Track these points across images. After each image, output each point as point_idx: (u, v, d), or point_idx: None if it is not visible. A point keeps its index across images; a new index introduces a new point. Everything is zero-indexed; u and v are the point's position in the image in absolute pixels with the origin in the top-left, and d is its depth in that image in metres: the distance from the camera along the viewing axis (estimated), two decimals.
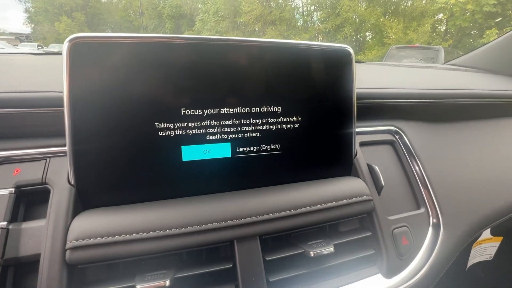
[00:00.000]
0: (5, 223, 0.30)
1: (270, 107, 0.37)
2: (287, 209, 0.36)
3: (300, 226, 0.37)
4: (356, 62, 0.49)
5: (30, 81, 0.38)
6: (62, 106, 0.31)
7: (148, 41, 0.31)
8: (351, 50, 0.40)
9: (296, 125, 0.39)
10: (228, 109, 0.35)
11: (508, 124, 0.71)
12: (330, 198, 0.39)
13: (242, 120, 0.36)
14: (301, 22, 16.97)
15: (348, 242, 0.40)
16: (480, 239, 0.79)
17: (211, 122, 0.35)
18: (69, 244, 0.29)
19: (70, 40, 0.29)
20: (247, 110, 0.36)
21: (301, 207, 0.37)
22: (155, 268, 0.33)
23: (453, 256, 0.46)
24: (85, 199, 0.33)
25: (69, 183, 0.33)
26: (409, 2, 13.48)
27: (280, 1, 17.27)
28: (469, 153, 0.60)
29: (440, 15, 12.49)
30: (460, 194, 0.52)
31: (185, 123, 0.34)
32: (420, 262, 0.42)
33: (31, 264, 0.30)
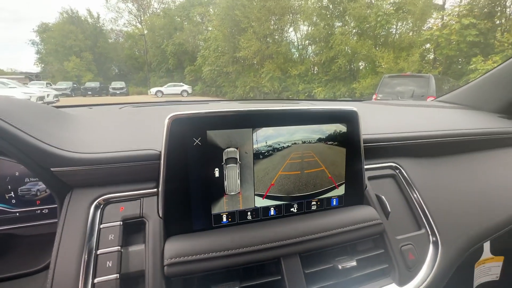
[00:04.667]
0: (119, 247, 0.41)
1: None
2: (318, 232, 0.48)
3: (330, 245, 0.49)
4: (356, 100, 0.63)
5: (130, 138, 0.52)
6: (157, 160, 0.44)
7: (216, 114, 0.45)
8: (356, 110, 0.54)
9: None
10: None
11: (495, 154, 0.85)
12: (350, 222, 0.51)
13: None
14: (297, 55, 18.01)
15: (366, 258, 0.51)
16: (482, 258, 0.88)
17: None
18: (166, 262, 0.40)
19: (170, 118, 0.43)
20: None
21: (329, 230, 0.49)
22: (222, 281, 0.43)
23: (454, 266, 0.56)
24: (169, 228, 0.45)
25: (159, 216, 0.45)
26: (397, 35, 14.45)
27: (276, 37, 18.51)
28: (462, 180, 0.72)
29: (428, 45, 13.34)
30: (455, 215, 0.63)
31: None
32: (425, 273, 0.53)
33: (138, 278, 0.41)
